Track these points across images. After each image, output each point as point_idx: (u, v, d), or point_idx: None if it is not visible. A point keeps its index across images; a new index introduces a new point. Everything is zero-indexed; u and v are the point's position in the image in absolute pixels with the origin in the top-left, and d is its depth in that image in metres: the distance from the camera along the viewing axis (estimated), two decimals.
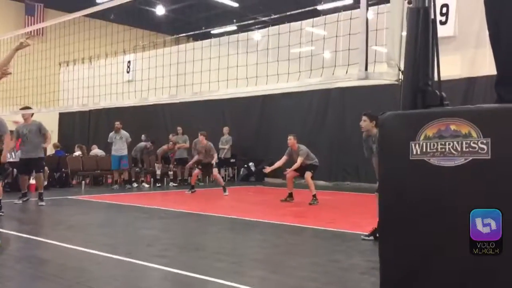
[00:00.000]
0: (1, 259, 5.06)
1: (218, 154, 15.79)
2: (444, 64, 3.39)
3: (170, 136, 15.37)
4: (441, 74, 2.92)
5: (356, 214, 8.83)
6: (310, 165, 10.26)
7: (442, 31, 10.63)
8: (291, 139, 10.20)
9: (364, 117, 6.28)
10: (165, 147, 15.29)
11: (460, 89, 11.39)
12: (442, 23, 11.18)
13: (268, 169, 10.57)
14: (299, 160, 10.05)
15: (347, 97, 14.09)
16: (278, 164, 10.50)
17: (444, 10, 11.36)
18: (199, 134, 12.84)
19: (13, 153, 12.57)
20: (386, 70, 2.95)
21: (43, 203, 9.44)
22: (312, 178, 10.19)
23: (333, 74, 3.49)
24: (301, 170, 10.22)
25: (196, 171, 12.95)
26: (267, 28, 13.67)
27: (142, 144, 14.92)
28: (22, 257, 5.28)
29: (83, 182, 14.35)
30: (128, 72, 16.33)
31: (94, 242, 5.89)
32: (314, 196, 9.98)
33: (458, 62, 11.70)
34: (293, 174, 10.40)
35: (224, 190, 12.14)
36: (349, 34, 3.53)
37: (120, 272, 4.67)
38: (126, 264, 4.86)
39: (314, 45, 4.72)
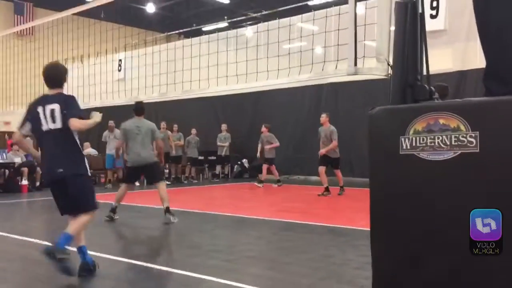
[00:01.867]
0: None
1: (217, 152, 15.82)
2: (435, 58, 3.41)
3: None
4: (432, 68, 2.92)
5: (350, 209, 8.86)
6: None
7: (432, 24, 10.66)
8: (323, 117, 10.61)
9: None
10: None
11: (451, 83, 11.39)
12: (432, 16, 11.20)
13: (323, 151, 10.67)
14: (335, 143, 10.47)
15: (340, 92, 14.10)
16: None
17: (435, 3, 11.37)
18: (263, 126, 13.18)
19: (3, 154, 12.51)
20: (376, 65, 2.96)
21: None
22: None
23: (322, 69, 3.49)
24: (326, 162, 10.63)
25: (266, 166, 13.21)
26: (257, 25, 13.64)
27: None
28: (14, 258, 5.25)
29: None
30: (119, 70, 16.25)
31: (88, 242, 5.86)
32: (341, 187, 10.95)
33: (449, 55, 11.74)
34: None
35: (278, 181, 12.83)
36: (338, 30, 3.53)
37: (114, 271, 4.66)
38: (121, 263, 4.85)
39: (304, 40, 4.71)
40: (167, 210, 7.19)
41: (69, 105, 4.23)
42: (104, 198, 10.69)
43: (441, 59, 10.65)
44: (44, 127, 4.23)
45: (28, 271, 4.72)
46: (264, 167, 13.21)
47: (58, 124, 4.20)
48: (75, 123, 4.14)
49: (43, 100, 4.31)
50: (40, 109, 4.26)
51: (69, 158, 4.28)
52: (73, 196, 4.27)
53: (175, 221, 7.12)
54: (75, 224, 4.33)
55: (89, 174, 4.50)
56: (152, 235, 6.52)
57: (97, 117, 4.30)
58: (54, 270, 4.08)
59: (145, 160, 7.42)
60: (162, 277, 4.49)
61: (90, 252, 4.91)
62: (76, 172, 4.27)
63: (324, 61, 3.35)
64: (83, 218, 4.37)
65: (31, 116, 4.29)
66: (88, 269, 4.35)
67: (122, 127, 7.68)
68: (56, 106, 4.19)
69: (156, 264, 4.75)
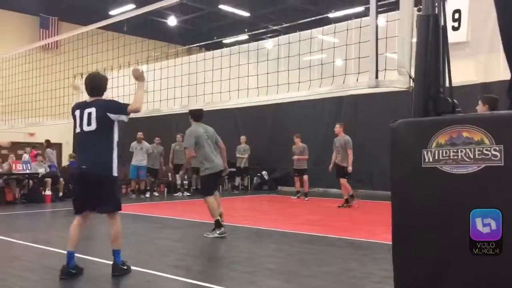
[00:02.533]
0: (10, 267, 5.12)
1: (236, 163, 15.86)
2: (458, 70, 3.38)
3: (174, 145, 15.22)
4: (456, 80, 2.91)
5: (370, 222, 8.77)
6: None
7: (455, 36, 10.57)
8: (337, 127, 10.84)
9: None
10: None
11: (474, 95, 11.25)
12: (454, 28, 11.10)
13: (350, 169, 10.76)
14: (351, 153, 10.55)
15: (360, 104, 14.05)
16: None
17: (456, 15, 11.28)
18: (294, 137, 13.10)
19: (28, 165, 12.75)
20: (397, 78, 2.96)
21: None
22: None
23: (343, 82, 3.50)
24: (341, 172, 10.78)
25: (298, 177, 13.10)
26: (277, 37, 13.72)
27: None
28: (35, 268, 5.33)
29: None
30: None
31: (110, 253, 5.91)
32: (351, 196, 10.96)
33: (472, 67, 11.60)
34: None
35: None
36: (359, 42, 3.53)
37: (136, 282, 4.69)
38: (142, 274, 4.88)
39: (324, 53, 4.73)
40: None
41: (113, 104, 4.74)
42: (127, 208, 10.81)
43: (464, 71, 10.54)
44: (79, 129, 4.63)
45: (50, 280, 4.78)
46: (296, 179, 13.15)
47: (93, 127, 4.53)
48: (131, 107, 4.61)
49: (82, 105, 4.70)
50: (77, 113, 4.65)
51: (96, 158, 4.55)
52: (98, 195, 4.58)
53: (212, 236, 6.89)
54: (113, 236, 4.74)
55: (115, 175, 4.69)
56: (172, 247, 6.54)
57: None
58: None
59: (220, 165, 7.15)
60: None
61: (110, 263, 4.95)
62: (100, 173, 4.55)
63: (345, 74, 3.37)
64: (115, 226, 4.59)
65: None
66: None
67: (193, 134, 7.08)
68: (93, 110, 4.54)
69: (177, 276, 4.76)
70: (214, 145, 7.21)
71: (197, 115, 7.20)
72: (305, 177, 12.89)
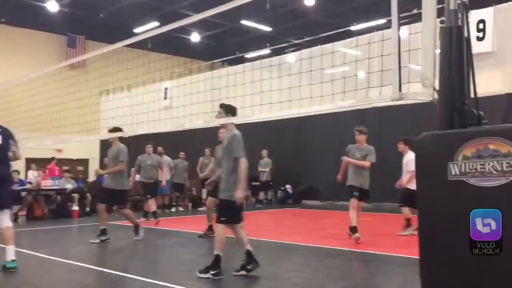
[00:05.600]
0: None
1: (258, 177, 15.84)
2: (483, 81, 3.34)
3: (202, 158, 15.22)
4: (481, 91, 2.87)
5: (395, 236, 8.63)
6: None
7: (479, 47, 10.44)
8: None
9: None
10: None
11: (501, 105, 11.09)
12: (479, 39, 10.98)
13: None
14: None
15: (384, 116, 13.93)
16: None
17: (481, 26, 11.17)
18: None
19: (56, 181, 13.00)
20: (421, 90, 2.93)
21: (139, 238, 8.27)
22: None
23: (366, 95, 3.49)
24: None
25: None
26: (299, 51, 13.77)
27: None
28: (63, 282, 5.40)
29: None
30: (165, 99, 16.70)
31: (136, 267, 5.97)
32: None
33: (498, 77, 11.42)
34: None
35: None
36: (382, 55, 3.53)
37: None
38: None
39: (347, 66, 4.73)
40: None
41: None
42: (149, 224, 10.89)
43: (489, 82, 10.37)
44: None
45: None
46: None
47: None
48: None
49: None
50: None
51: None
52: None
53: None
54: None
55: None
56: (197, 261, 6.55)
57: None
58: None
59: None
60: None
61: (136, 277, 4.99)
62: None
63: (368, 87, 3.36)
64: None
65: None
66: None
67: (241, 140, 5.45)
68: None
69: None
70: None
71: (234, 111, 5.59)
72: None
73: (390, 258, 6.46)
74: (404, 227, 8.56)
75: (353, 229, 7.64)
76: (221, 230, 5.46)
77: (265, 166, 15.98)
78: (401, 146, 8.99)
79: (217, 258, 5.40)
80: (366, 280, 5.35)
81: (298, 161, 16.28)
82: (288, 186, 16.62)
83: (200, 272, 5.34)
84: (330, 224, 10.65)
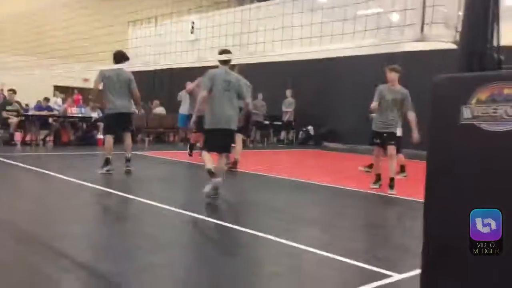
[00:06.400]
0: (77, 205, 5.50)
1: (281, 117, 15.91)
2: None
3: None
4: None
5: (415, 181, 8.67)
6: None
7: None
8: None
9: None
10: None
11: None
12: None
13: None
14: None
15: (413, 61, 13.59)
16: None
17: None
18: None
19: (82, 109, 13.28)
20: (444, 31, 2.87)
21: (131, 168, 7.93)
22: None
23: (388, 35, 3.41)
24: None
25: None
26: None
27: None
28: (84, 204, 5.69)
29: (147, 139, 14.89)
30: (192, 33, 16.57)
31: (156, 195, 6.21)
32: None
33: None
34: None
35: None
36: None
37: (177, 222, 4.94)
38: (181, 215, 5.12)
39: (372, 4, 4.56)
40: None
41: None
42: (171, 155, 11.16)
43: None
44: None
45: (96, 216, 5.11)
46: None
47: None
48: None
49: None
50: None
51: None
52: None
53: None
54: None
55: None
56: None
57: None
58: None
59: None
60: (218, 231, 4.70)
61: (156, 204, 5.22)
62: None
63: (390, 26, 3.28)
64: None
65: None
66: None
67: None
68: None
69: (214, 219, 4.97)
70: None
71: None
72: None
73: (404, 202, 6.52)
74: (398, 172, 8.42)
75: (377, 177, 7.42)
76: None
77: (288, 106, 15.98)
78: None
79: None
80: (377, 220, 5.48)
81: (322, 103, 16.19)
82: (310, 128, 16.65)
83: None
84: (349, 166, 10.74)
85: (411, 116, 7.17)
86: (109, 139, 7.83)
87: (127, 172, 7.77)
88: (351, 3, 4.52)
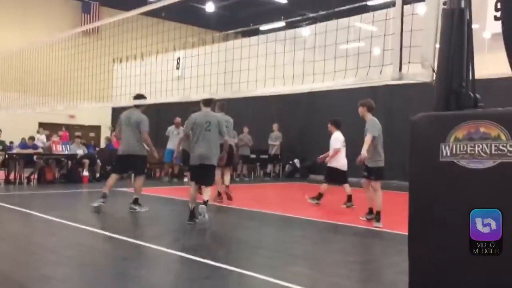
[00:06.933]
0: (52, 245, 5.40)
1: (268, 151, 15.97)
2: (501, 62, 3.32)
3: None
4: (498, 71, 2.89)
5: (399, 213, 8.69)
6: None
7: (497, 26, 10.25)
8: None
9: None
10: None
11: None
12: (497, 18, 10.78)
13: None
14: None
15: (395, 95, 13.85)
16: None
17: (499, 5, 10.94)
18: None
19: (67, 146, 13.22)
20: (421, 71, 2.95)
21: (137, 208, 7.89)
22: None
23: (367, 74, 3.50)
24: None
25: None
26: (314, 25, 13.63)
27: None
28: (71, 244, 5.59)
29: (133, 175, 14.71)
30: (177, 68, 16.72)
31: (142, 234, 6.14)
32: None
33: None
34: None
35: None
36: (384, 35, 3.53)
37: (159, 261, 4.87)
38: (165, 255, 5.05)
39: (353, 43, 4.70)
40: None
41: None
42: (157, 192, 11.09)
43: (507, 63, 10.22)
44: None
45: (82, 257, 5.02)
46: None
47: None
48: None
49: None
50: None
51: None
52: None
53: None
54: None
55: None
56: (198, 228, 6.70)
57: None
58: None
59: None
60: (203, 270, 4.63)
61: (142, 243, 5.14)
62: None
63: (369, 66, 3.37)
64: None
65: None
66: None
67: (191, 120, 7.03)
68: None
69: (200, 257, 4.91)
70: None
71: (205, 100, 7.07)
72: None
73: (390, 235, 6.55)
74: (346, 202, 9.26)
75: (370, 210, 7.50)
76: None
77: (275, 140, 16.06)
78: (329, 126, 9.85)
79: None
80: (364, 255, 5.47)
81: (307, 136, 16.32)
82: (296, 160, 16.70)
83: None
84: (334, 201, 10.73)
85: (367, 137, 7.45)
86: (112, 176, 8.18)
87: (131, 211, 7.82)
88: (332, 43, 4.64)
